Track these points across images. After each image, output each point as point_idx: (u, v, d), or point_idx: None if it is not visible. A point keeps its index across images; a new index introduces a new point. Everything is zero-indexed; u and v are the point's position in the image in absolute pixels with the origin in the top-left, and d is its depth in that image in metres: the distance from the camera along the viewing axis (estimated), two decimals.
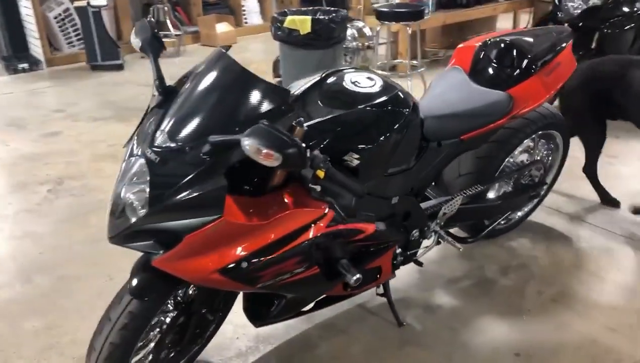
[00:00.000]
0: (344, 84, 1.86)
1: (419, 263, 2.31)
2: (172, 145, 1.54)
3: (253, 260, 1.61)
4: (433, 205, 2.26)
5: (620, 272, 2.59)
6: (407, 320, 2.31)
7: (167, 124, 1.58)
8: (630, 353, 2.13)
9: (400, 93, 1.90)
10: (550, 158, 2.79)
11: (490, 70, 2.33)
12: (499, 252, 2.74)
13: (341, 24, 4.56)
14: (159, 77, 1.71)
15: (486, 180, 2.46)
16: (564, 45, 2.40)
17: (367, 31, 5.52)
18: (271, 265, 1.64)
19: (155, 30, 1.74)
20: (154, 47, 1.73)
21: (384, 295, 2.30)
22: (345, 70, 1.94)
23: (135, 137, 1.67)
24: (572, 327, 2.26)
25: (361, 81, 1.88)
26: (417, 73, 5.07)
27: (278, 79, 5.44)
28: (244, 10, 7.65)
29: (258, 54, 6.86)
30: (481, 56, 2.37)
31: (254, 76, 1.61)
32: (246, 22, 7.70)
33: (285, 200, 1.67)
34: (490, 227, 2.59)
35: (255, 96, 1.58)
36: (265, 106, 1.57)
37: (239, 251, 1.59)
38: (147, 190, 1.50)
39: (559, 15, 4.15)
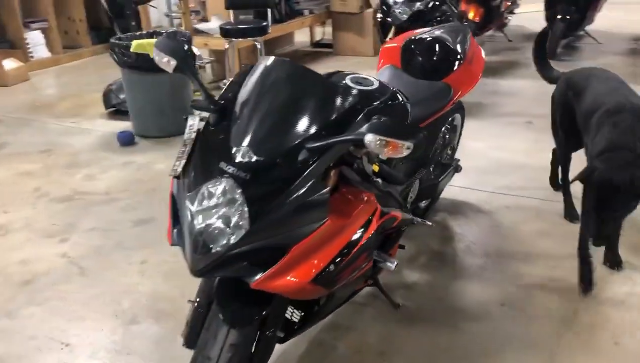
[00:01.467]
0: (350, 84, 1.93)
1: (402, 246, 2.46)
2: (261, 158, 1.47)
3: (337, 261, 1.61)
4: (401, 190, 2.45)
5: (533, 223, 3.04)
6: (399, 301, 2.45)
7: (243, 139, 1.50)
8: None
9: (396, 89, 2.04)
10: (451, 137, 3.18)
11: (423, 64, 2.60)
12: (431, 228, 3.01)
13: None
14: (207, 95, 1.60)
15: (425, 163, 2.73)
16: (469, 36, 2.79)
17: (194, 51, 5.46)
18: (351, 263, 1.66)
19: (189, 46, 1.62)
20: (190, 64, 1.61)
21: (374, 285, 2.41)
22: (339, 73, 2.01)
23: (194, 165, 1.55)
24: (530, 274, 2.62)
25: (361, 81, 1.97)
26: None
27: (111, 109, 5.09)
28: (28, 44, 6.87)
29: (65, 88, 6.24)
30: (410, 53, 2.63)
31: (323, 78, 1.61)
32: (32, 57, 6.92)
33: (349, 197, 1.70)
34: (432, 204, 2.87)
35: (330, 97, 1.59)
36: (343, 105, 1.59)
37: (329, 254, 1.58)
38: (243, 209, 1.43)
39: (388, 20, 4.65)
